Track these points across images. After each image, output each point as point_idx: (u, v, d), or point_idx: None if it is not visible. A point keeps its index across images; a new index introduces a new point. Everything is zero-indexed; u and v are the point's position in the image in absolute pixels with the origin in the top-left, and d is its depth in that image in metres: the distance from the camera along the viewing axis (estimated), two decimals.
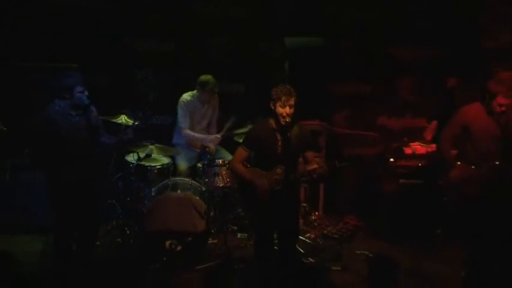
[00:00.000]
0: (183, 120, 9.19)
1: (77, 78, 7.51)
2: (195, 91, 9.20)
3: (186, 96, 9.22)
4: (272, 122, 7.33)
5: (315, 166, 7.38)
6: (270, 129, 7.32)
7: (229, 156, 9.07)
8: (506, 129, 7.59)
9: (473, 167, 7.65)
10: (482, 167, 7.60)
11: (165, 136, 9.18)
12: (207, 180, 8.67)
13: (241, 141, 8.84)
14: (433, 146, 9.38)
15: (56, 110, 7.46)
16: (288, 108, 7.17)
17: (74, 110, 7.49)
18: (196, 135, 9.22)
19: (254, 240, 7.65)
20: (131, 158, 8.68)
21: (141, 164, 8.67)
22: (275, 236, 7.62)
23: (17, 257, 6.05)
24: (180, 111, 9.20)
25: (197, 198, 8.46)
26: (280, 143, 7.30)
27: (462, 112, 7.85)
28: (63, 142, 7.46)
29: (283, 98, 7.18)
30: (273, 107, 7.24)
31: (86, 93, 7.49)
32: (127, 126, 8.03)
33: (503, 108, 7.52)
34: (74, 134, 7.49)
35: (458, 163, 7.80)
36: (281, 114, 7.19)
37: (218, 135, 9.26)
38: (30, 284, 6.11)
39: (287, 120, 7.21)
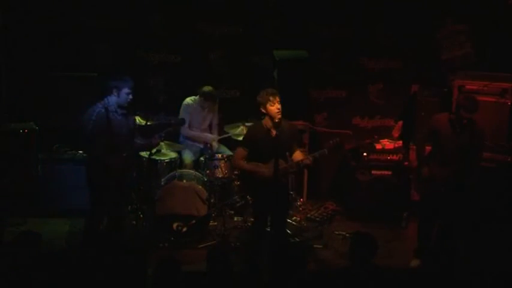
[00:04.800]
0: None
1: (129, 83, 7.42)
2: (197, 96, 9.06)
3: (188, 99, 9.09)
4: (266, 122, 7.25)
5: (302, 157, 7.34)
6: (264, 129, 7.23)
7: (228, 152, 8.99)
8: (467, 140, 7.47)
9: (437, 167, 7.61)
10: (444, 169, 7.52)
11: (172, 134, 8.94)
12: (208, 171, 8.58)
13: (238, 139, 8.74)
14: (400, 143, 9.36)
15: (105, 106, 7.33)
16: (277, 105, 7.10)
17: (119, 108, 7.37)
18: (191, 132, 9.10)
19: (253, 221, 7.69)
20: (144, 152, 8.52)
21: (152, 158, 8.50)
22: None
23: (41, 237, 5.88)
24: (181, 111, 9.07)
25: (200, 187, 8.37)
26: (274, 139, 7.16)
27: (433, 119, 7.77)
28: (108, 135, 7.29)
29: (271, 98, 7.13)
30: (264, 110, 7.16)
31: (131, 96, 7.40)
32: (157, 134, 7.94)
33: (465, 121, 7.40)
34: (117, 129, 7.36)
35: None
36: (274, 112, 7.11)
37: (214, 137, 9.15)
38: (55, 260, 5.84)
39: (279, 116, 7.15)
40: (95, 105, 7.35)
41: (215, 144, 9.07)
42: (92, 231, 7.57)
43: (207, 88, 8.92)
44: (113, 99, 7.37)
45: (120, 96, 7.35)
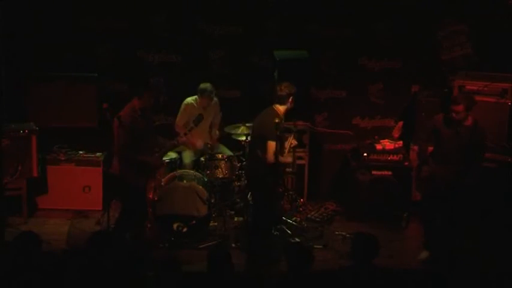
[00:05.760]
0: (179, 117, 9.08)
1: (149, 83, 7.78)
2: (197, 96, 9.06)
3: (189, 99, 9.10)
4: (281, 110, 7.46)
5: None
6: (280, 117, 7.41)
7: (228, 152, 9.00)
8: (467, 140, 7.51)
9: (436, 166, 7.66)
10: (444, 168, 7.56)
11: (173, 134, 8.80)
12: (208, 171, 8.59)
13: (239, 139, 8.70)
14: (400, 143, 9.35)
15: (133, 110, 7.52)
16: None
17: (141, 111, 7.52)
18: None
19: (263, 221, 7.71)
20: None
21: None
22: None
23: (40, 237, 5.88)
24: (180, 110, 9.09)
25: (200, 187, 8.36)
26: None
27: (434, 119, 7.84)
28: (143, 137, 7.54)
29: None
30: (289, 100, 7.45)
31: (153, 100, 7.63)
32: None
33: (453, 115, 7.46)
34: (148, 131, 7.59)
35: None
36: (290, 108, 7.48)
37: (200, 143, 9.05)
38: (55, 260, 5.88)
39: None
40: (128, 112, 7.48)
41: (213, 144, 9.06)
42: (139, 235, 7.78)
43: (203, 85, 8.93)
44: (138, 103, 7.51)
45: (143, 99, 7.50)
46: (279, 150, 7.32)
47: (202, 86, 8.92)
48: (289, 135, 7.77)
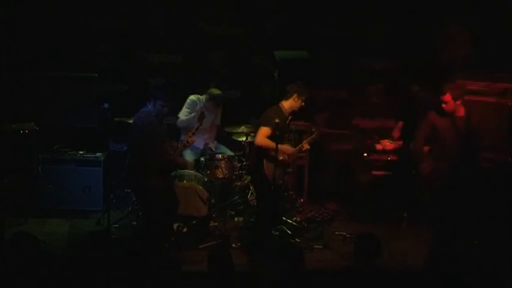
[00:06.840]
0: (182, 111, 9.05)
1: (163, 92, 7.65)
2: (202, 96, 9.05)
3: (193, 96, 9.09)
4: (286, 107, 7.64)
5: None
6: (283, 113, 7.62)
7: (228, 152, 9.01)
8: (463, 132, 7.49)
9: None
10: (442, 165, 7.54)
11: (173, 134, 8.87)
12: (208, 172, 8.59)
13: (238, 139, 8.71)
14: (400, 143, 9.34)
15: (152, 115, 7.54)
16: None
17: (155, 117, 7.54)
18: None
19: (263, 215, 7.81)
20: None
21: None
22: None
23: (39, 238, 5.79)
24: (184, 107, 9.06)
25: (200, 187, 8.36)
26: (286, 126, 7.74)
27: (431, 114, 7.78)
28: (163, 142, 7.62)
29: (306, 98, 7.66)
30: (296, 99, 7.63)
31: (166, 109, 7.56)
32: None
33: (445, 106, 7.50)
34: (164, 136, 7.65)
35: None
36: (298, 108, 7.66)
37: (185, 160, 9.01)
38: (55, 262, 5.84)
39: None
40: (145, 116, 7.48)
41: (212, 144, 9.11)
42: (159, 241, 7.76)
43: (215, 91, 8.93)
44: (151, 109, 7.52)
45: (156, 107, 7.48)
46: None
47: (214, 92, 8.92)
48: (304, 140, 7.96)
